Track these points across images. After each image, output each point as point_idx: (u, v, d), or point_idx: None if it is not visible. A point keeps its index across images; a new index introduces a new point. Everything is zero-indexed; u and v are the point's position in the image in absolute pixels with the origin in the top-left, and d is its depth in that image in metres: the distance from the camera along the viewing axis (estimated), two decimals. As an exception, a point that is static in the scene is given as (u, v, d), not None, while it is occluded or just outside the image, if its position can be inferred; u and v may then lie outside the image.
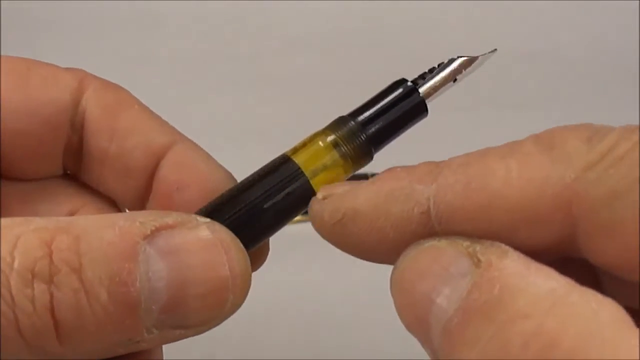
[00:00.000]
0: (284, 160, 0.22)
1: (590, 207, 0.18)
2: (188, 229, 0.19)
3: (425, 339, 0.18)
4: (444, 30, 0.63)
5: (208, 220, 0.19)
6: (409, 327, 0.19)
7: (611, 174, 0.17)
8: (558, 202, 0.18)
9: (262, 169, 0.22)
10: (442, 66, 0.23)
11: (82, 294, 0.17)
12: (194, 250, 0.18)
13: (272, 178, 0.21)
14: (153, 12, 0.67)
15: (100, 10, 0.67)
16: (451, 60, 0.23)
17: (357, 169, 0.23)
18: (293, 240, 0.45)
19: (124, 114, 0.24)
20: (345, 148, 0.22)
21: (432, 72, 0.23)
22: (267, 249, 0.24)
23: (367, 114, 0.22)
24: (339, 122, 0.22)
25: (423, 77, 0.23)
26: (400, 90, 0.22)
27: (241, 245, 0.19)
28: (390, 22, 0.65)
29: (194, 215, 0.19)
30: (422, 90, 0.22)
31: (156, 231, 0.18)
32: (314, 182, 0.22)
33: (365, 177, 0.54)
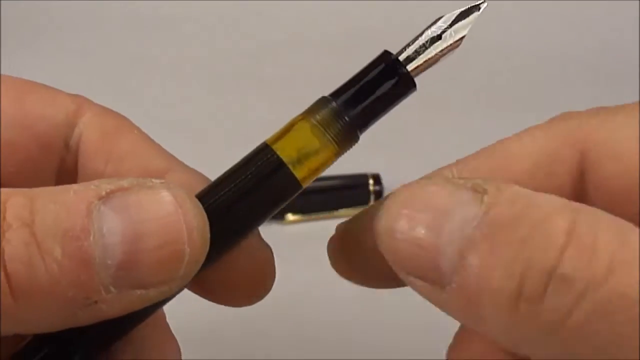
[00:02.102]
0: (264, 149, 0.21)
1: (598, 139, 0.20)
2: (142, 187, 0.19)
3: (431, 269, 0.18)
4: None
5: (163, 180, 0.19)
6: (409, 263, 0.18)
7: (618, 115, 0.20)
8: (569, 140, 0.21)
9: (242, 160, 0.21)
10: (425, 29, 0.21)
11: (34, 247, 0.17)
12: (147, 205, 0.18)
13: (252, 168, 0.21)
14: (153, 13, 0.67)
15: (100, 11, 0.67)
16: (433, 23, 0.21)
17: (343, 153, 0.22)
18: (293, 240, 0.45)
19: (122, 138, 0.24)
20: (329, 132, 0.21)
21: (417, 40, 0.21)
22: (273, 276, 0.24)
23: (349, 93, 0.21)
24: (320, 104, 0.21)
25: (409, 47, 0.21)
26: (382, 64, 0.21)
27: (197, 201, 0.19)
28: (391, 23, 0.66)
29: (149, 178, 0.19)
30: (404, 59, 0.21)
31: (111, 193, 0.18)
32: (296, 170, 0.21)
33: (364, 176, 0.53)
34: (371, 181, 0.46)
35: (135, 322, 0.21)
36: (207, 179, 0.24)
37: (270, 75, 0.61)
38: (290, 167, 0.21)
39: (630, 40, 0.60)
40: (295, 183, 0.21)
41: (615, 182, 0.20)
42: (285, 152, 0.21)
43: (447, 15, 0.21)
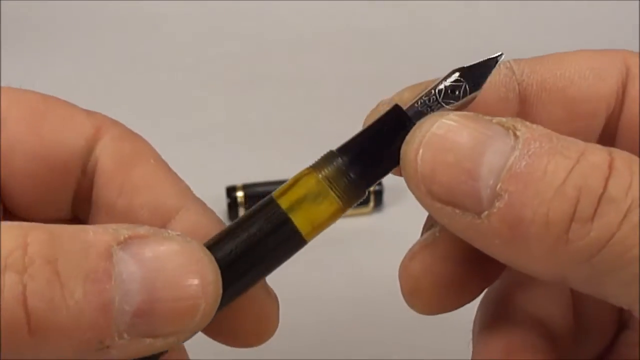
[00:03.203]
0: (271, 204, 0.21)
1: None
2: (160, 238, 0.19)
3: (469, 196, 0.18)
4: (443, 31, 0.63)
5: (179, 233, 0.19)
6: (445, 185, 0.19)
7: None
8: (619, 56, 0.24)
9: (249, 213, 0.21)
10: (438, 83, 0.20)
11: (57, 286, 0.17)
12: (165, 256, 0.18)
13: (259, 223, 0.21)
14: (153, 13, 0.67)
15: (100, 11, 0.67)
16: (447, 76, 0.21)
17: (349, 208, 0.21)
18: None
19: (137, 168, 0.24)
20: (336, 188, 0.21)
21: (429, 94, 0.20)
22: (277, 320, 0.24)
23: (358, 148, 0.21)
24: (328, 159, 0.21)
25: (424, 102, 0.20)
26: (395, 120, 0.20)
27: (212, 257, 0.19)
28: (391, 23, 0.66)
29: (165, 229, 0.19)
30: (415, 113, 0.20)
31: (129, 239, 0.18)
32: (301, 226, 0.21)
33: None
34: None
35: None
36: (217, 217, 0.24)
37: (271, 75, 0.61)
38: (295, 223, 0.21)
39: (631, 40, 0.60)
40: (299, 238, 0.21)
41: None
42: (291, 207, 0.20)
43: (463, 71, 0.20)
